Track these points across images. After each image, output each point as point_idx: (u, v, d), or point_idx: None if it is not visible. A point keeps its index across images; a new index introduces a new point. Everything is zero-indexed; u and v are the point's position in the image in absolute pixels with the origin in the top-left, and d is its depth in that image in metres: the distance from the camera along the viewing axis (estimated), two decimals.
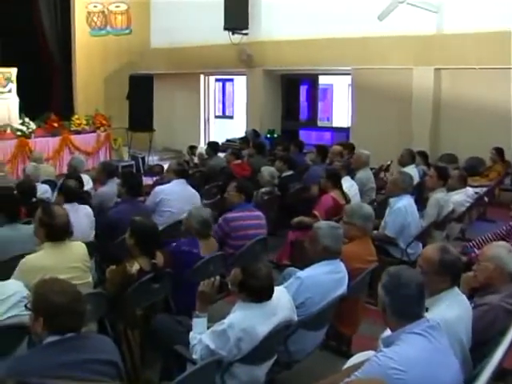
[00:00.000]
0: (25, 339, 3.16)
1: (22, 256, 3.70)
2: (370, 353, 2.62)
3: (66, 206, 4.52)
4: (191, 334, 3.16)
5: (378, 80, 10.55)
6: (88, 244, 4.03)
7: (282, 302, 3.24)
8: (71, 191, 5.05)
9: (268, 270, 3.17)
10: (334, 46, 10.69)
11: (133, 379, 3.59)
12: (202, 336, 3.06)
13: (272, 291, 3.13)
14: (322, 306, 3.51)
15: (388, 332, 2.58)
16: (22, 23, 13.87)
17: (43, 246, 3.72)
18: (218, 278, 3.27)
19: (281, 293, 3.28)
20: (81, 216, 4.88)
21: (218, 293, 3.36)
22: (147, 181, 8.21)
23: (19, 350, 3.12)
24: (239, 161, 8.40)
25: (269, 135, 12.23)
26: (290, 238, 5.82)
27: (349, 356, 3.09)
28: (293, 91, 13.22)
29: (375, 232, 5.19)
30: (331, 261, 3.75)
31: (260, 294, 3.08)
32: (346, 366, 2.79)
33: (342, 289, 3.72)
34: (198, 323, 3.19)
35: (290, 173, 7.52)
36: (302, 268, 3.80)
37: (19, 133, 11.11)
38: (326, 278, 3.67)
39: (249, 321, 3.01)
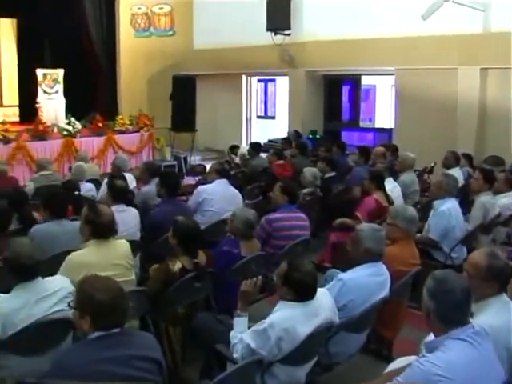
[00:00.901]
0: (70, 333, 3.24)
1: (68, 252, 3.80)
2: (412, 358, 2.58)
3: (114, 207, 4.61)
4: (232, 333, 3.18)
5: (421, 80, 10.38)
6: (132, 242, 4.10)
7: (324, 303, 3.22)
8: (120, 192, 5.12)
9: (312, 268, 3.17)
10: (376, 45, 10.57)
11: (173, 377, 3.62)
12: (242, 335, 3.07)
13: (315, 290, 3.12)
14: (364, 309, 3.48)
15: (431, 337, 2.53)
16: (69, 26, 14.23)
17: (88, 243, 3.81)
18: (260, 277, 3.29)
19: (323, 294, 3.26)
20: (128, 217, 4.96)
21: (260, 293, 3.37)
22: (189, 181, 8.29)
23: (64, 343, 3.21)
24: (281, 161, 8.39)
25: (311, 136, 12.18)
26: (331, 239, 5.78)
27: (390, 360, 3.06)
28: (335, 92, 13.13)
29: (419, 235, 5.11)
30: (373, 263, 3.71)
31: (302, 289, 3.06)
32: (387, 371, 2.76)
33: (385, 291, 3.68)
34: (239, 322, 3.20)
35: (332, 174, 7.49)
36: (343, 270, 3.77)
37: (65, 132, 11.39)
38: (368, 280, 3.63)
39: (290, 321, 3.00)
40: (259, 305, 3.68)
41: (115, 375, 2.43)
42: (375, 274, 3.70)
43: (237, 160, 10.17)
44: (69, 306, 2.65)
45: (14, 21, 14.73)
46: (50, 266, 3.64)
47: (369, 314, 3.55)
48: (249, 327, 3.15)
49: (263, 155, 9.16)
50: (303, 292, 3.08)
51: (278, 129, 13.48)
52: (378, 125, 13.43)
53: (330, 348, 3.35)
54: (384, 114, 13.25)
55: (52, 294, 3.18)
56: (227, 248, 4.27)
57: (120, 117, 12.54)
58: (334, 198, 6.97)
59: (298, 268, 3.07)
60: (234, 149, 11.00)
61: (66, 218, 4.66)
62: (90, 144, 11.58)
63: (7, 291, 3.17)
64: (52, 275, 3.43)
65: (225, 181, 6.04)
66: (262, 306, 3.78)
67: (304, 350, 3.05)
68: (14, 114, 14.43)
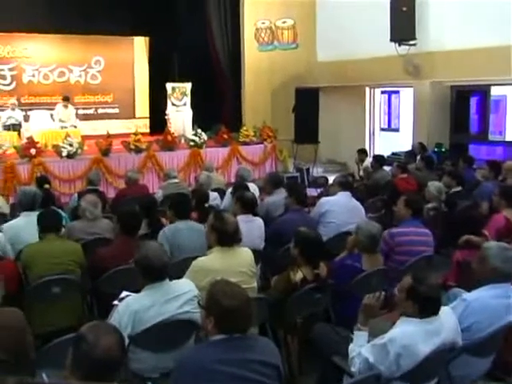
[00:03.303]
0: (193, 335, 3.38)
1: (194, 258, 3.97)
2: None
3: (241, 217, 4.76)
4: (351, 346, 3.14)
5: None
6: (254, 251, 4.19)
7: (447, 322, 3.09)
8: (248, 203, 5.24)
9: (438, 283, 3.07)
10: (508, 54, 10.05)
11: None
12: (361, 349, 3.03)
13: (439, 305, 3.02)
14: (489, 332, 3.30)
15: None
16: (197, 42, 14.86)
17: (213, 249, 3.95)
18: (382, 292, 3.24)
19: (446, 313, 3.13)
20: (253, 227, 5.08)
21: (381, 308, 3.31)
22: (311, 192, 8.31)
23: (187, 344, 3.35)
24: (405, 175, 8.19)
25: (436, 149, 11.77)
26: (456, 257, 5.52)
27: None
28: (462, 103, 12.59)
29: None
30: (501, 284, 3.50)
31: (426, 304, 2.97)
32: None
33: None
34: (359, 336, 3.17)
35: (458, 189, 7.19)
36: (468, 290, 3.62)
37: (192, 143, 11.80)
38: (495, 302, 3.43)
39: (411, 337, 2.92)
40: (379, 320, 3.60)
41: (235, 377, 2.51)
42: (502, 296, 3.48)
43: (360, 172, 10.07)
44: (198, 304, 2.77)
45: (147, 39, 15.62)
46: (178, 269, 3.82)
47: (494, 338, 3.36)
48: (367, 342, 3.11)
49: (386, 168, 9.01)
50: (427, 307, 2.98)
51: (401, 142, 13.17)
52: (508, 138, 12.72)
53: (451, 370, 3.22)
54: None
55: (179, 296, 3.33)
56: (349, 261, 4.25)
57: (244, 128, 12.78)
58: (460, 213, 6.67)
59: (423, 281, 2.98)
60: (362, 153, 10.83)
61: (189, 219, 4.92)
62: (215, 154, 11.93)
63: (138, 291, 3.37)
64: (178, 278, 3.61)
65: (348, 193, 6.01)
66: (381, 321, 3.70)
67: (424, 369, 2.95)
68: (144, 126, 15.27)
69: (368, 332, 3.19)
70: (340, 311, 4.04)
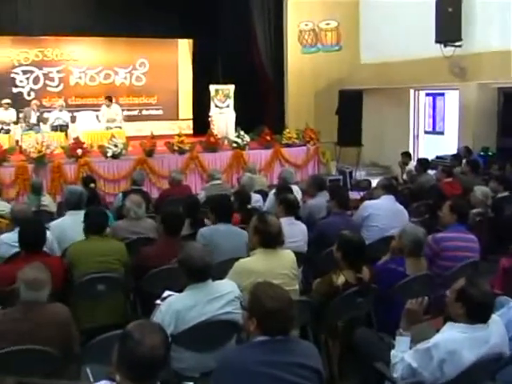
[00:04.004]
0: (234, 335, 3.40)
1: (236, 259, 3.99)
2: None
3: (284, 219, 4.76)
4: (393, 351, 3.10)
5: None
6: (296, 254, 4.18)
7: (496, 331, 3.00)
8: (292, 206, 5.23)
9: (490, 289, 3.00)
10: None
11: None
12: (404, 355, 2.99)
13: (489, 314, 2.94)
14: None
15: None
16: (240, 44, 14.94)
17: (256, 251, 3.96)
18: (426, 297, 3.19)
19: (495, 322, 3.04)
20: (296, 230, 5.06)
21: (424, 314, 3.26)
22: (354, 195, 8.26)
23: (228, 344, 3.37)
24: (450, 179, 8.05)
25: (483, 153, 11.51)
26: (503, 264, 5.40)
27: None
28: (510, 106, 12.29)
29: None
30: None
31: (477, 308, 2.89)
32: None
33: None
34: (402, 341, 3.12)
35: (505, 194, 7.02)
36: None
37: (235, 145, 11.86)
38: None
39: (456, 343, 2.85)
40: (422, 326, 3.54)
41: (276, 379, 2.51)
42: None
43: (404, 176, 9.94)
44: (241, 305, 2.78)
45: (191, 41, 15.75)
46: (220, 270, 3.84)
47: None
48: (410, 347, 3.06)
49: (431, 172, 8.87)
50: (477, 312, 2.90)
51: (446, 145, 12.94)
52: None
53: (497, 381, 3.14)
54: None
55: (221, 297, 3.34)
56: (393, 265, 4.19)
57: (287, 131, 12.76)
58: (507, 219, 6.53)
59: (476, 285, 2.91)
60: (405, 156, 10.69)
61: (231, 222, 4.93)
62: (257, 156, 11.95)
63: (181, 291, 3.40)
64: (221, 278, 3.63)
65: (391, 197, 5.93)
66: (424, 327, 3.64)
67: (469, 377, 2.87)
68: (188, 127, 15.38)
69: (411, 338, 3.14)
70: (382, 316, 3.99)
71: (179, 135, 11.63)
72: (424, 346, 2.90)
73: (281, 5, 14.79)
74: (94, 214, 4.75)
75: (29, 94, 14.34)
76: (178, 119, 15.80)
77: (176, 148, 11.26)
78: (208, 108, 13.78)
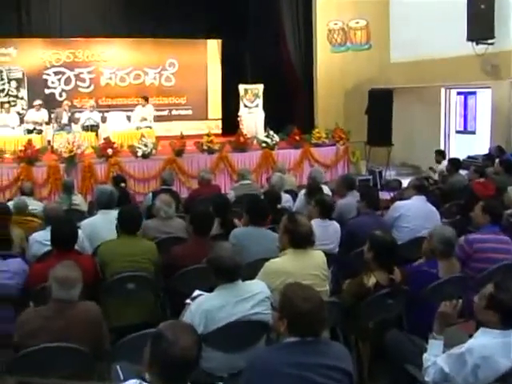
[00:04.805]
0: (263, 336, 3.39)
1: (266, 259, 3.97)
2: None
3: (317, 220, 4.72)
4: (425, 355, 3.04)
5: None
6: (327, 254, 4.15)
7: None
8: (327, 208, 5.19)
9: None
10: None
11: None
12: (436, 358, 2.93)
13: None
14: None
15: None
16: (269, 44, 14.99)
17: (286, 251, 3.94)
18: (460, 300, 3.12)
19: None
20: (329, 231, 5.04)
21: (458, 317, 3.20)
22: (384, 196, 8.17)
23: (258, 344, 3.35)
24: (482, 179, 7.91)
25: None
26: None
27: None
28: None
29: None
30: None
31: (509, 315, 2.81)
32: None
33: None
34: (434, 345, 3.06)
35: None
36: None
37: (264, 144, 11.86)
38: None
39: (490, 349, 2.77)
40: (455, 329, 3.48)
41: (305, 380, 2.49)
42: None
43: (435, 176, 9.81)
44: (272, 306, 2.77)
45: (220, 41, 15.80)
46: (249, 271, 3.82)
47: None
48: (443, 351, 3.01)
49: (462, 172, 8.73)
50: (510, 318, 2.84)
51: (478, 144, 12.75)
52: None
53: None
54: None
55: (251, 297, 3.33)
56: (425, 267, 4.13)
57: (316, 130, 12.70)
58: None
59: (506, 290, 2.82)
60: (438, 154, 10.55)
61: (264, 226, 4.89)
62: (287, 156, 11.92)
63: (210, 290, 3.40)
64: (251, 279, 3.62)
65: (423, 197, 5.85)
66: (456, 331, 3.58)
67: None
68: (216, 127, 15.45)
69: (444, 341, 3.08)
70: (413, 318, 3.94)
71: (208, 135, 11.67)
72: (457, 350, 2.84)
73: (309, 4, 14.75)
74: (129, 214, 4.78)
75: (60, 95, 14.57)
76: (207, 119, 15.85)
77: (205, 148, 11.31)
78: (237, 108, 13.84)
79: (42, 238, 4.85)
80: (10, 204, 6.32)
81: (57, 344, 3.10)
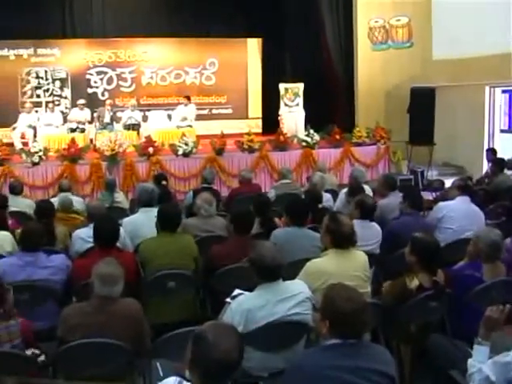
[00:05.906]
0: (303, 336, 3.36)
1: (307, 259, 3.94)
2: None
3: (358, 222, 4.67)
4: (470, 360, 2.95)
5: None
6: (368, 254, 4.10)
7: None
8: (369, 210, 5.11)
9: None
10: None
11: None
12: (482, 365, 2.85)
13: None
14: None
15: None
16: (309, 42, 14.92)
17: (328, 251, 3.91)
18: (508, 305, 3.03)
19: None
20: (370, 233, 4.97)
21: (505, 323, 3.10)
22: (426, 196, 8.04)
23: (297, 345, 3.33)
24: None
25: None
26: None
27: None
28: None
29: None
30: None
31: None
32: None
33: None
34: (480, 351, 2.96)
35: None
36: None
37: (304, 143, 11.82)
38: None
39: None
40: (502, 335, 3.38)
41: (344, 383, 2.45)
42: None
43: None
44: (313, 307, 2.74)
45: (260, 40, 15.78)
46: (290, 271, 3.80)
47: None
48: (489, 357, 2.93)
49: (508, 172, 8.52)
50: None
51: None
52: None
53: None
54: None
55: (291, 297, 3.31)
56: (469, 271, 4.03)
57: (357, 129, 12.60)
58: None
59: None
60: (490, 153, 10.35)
61: (305, 226, 4.86)
62: (327, 155, 11.86)
63: (251, 290, 3.39)
64: (291, 279, 3.59)
65: (467, 198, 5.73)
66: (505, 336, 3.47)
67: None
68: (256, 126, 15.41)
69: (490, 347, 3.00)
70: (457, 322, 3.85)
71: (249, 134, 11.70)
72: (504, 358, 2.76)
73: (350, 2, 14.59)
74: (169, 211, 4.81)
75: (103, 95, 14.78)
76: (247, 118, 15.85)
77: (245, 147, 11.33)
78: (277, 107, 13.81)
79: (84, 235, 4.93)
80: (54, 201, 6.43)
81: (97, 339, 3.14)
